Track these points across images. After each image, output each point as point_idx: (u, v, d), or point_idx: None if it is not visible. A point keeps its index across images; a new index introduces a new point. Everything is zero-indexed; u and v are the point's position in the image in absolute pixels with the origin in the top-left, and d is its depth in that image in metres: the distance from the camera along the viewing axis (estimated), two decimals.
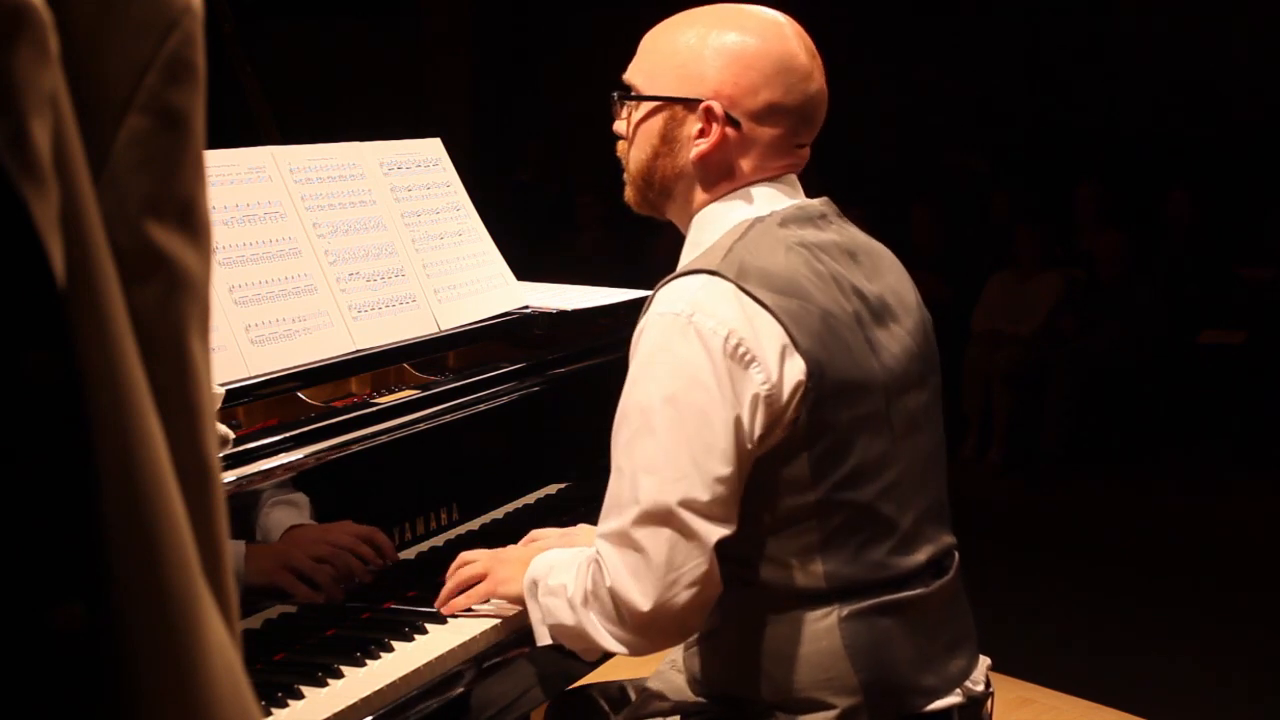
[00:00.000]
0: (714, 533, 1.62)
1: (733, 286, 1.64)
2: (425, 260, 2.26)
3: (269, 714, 1.62)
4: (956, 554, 1.84)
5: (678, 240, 1.83)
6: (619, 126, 1.84)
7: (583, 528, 2.03)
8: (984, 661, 1.84)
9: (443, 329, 2.23)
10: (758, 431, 1.62)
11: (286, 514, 1.79)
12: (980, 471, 6.02)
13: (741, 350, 1.61)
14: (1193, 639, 4.16)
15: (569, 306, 2.43)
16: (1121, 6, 7.09)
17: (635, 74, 1.80)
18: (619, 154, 1.86)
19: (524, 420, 2.24)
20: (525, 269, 2.50)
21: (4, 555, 0.53)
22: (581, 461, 2.37)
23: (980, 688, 1.81)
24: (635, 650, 1.70)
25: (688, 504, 1.61)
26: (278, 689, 1.66)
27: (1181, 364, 6.03)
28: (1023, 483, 5.91)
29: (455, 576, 1.91)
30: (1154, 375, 6.00)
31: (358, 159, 2.25)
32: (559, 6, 8.47)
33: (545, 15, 8.62)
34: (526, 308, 2.41)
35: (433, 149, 2.42)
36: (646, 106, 1.77)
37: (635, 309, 2.53)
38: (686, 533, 1.61)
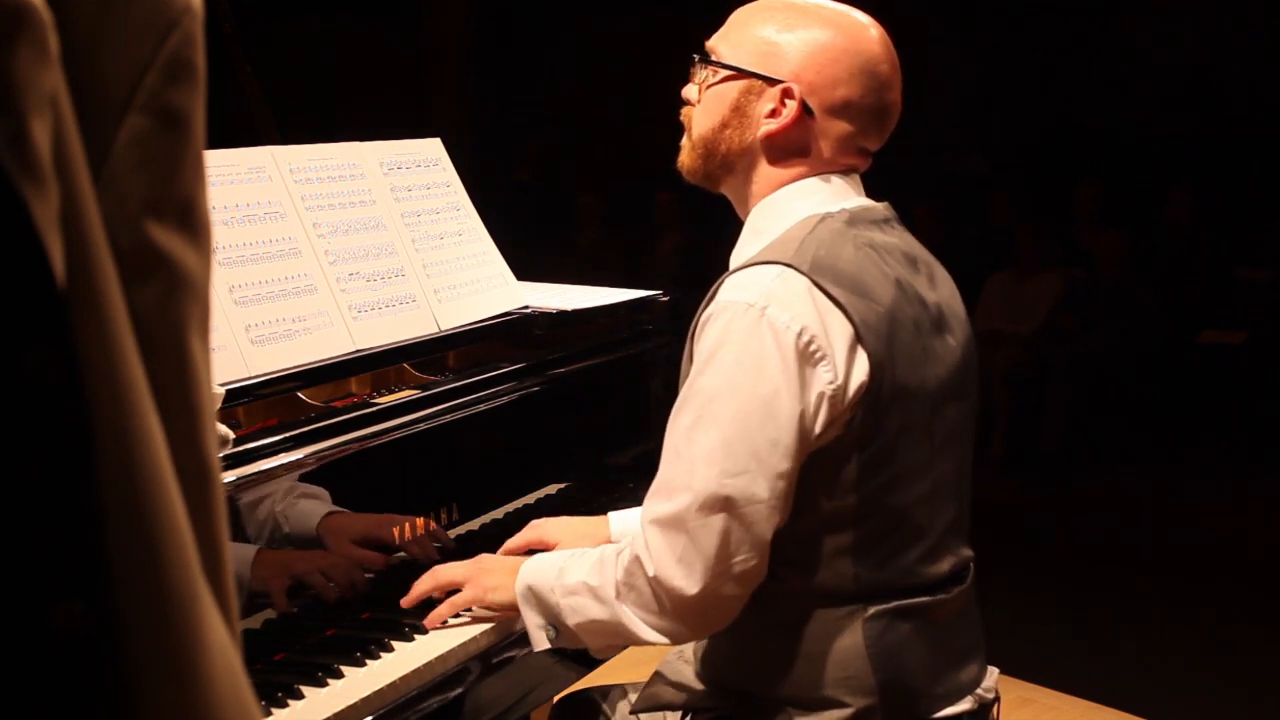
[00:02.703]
0: (769, 528, 1.62)
1: (807, 281, 1.63)
2: (425, 260, 2.26)
3: (269, 714, 1.62)
4: (973, 566, 1.84)
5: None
6: (690, 90, 1.83)
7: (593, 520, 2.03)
8: (993, 671, 1.84)
9: (443, 329, 2.23)
10: (817, 429, 1.62)
11: (313, 505, 1.79)
12: (980, 471, 6.00)
13: (813, 347, 1.60)
14: (1193, 639, 4.16)
15: (569, 306, 2.43)
16: (1122, 6, 7.09)
17: (719, 41, 1.80)
18: (683, 118, 1.84)
19: (524, 420, 2.24)
20: (525, 269, 2.50)
21: (4, 555, 0.53)
22: (581, 461, 2.37)
23: (991, 696, 1.81)
24: (675, 638, 1.70)
25: (746, 497, 1.60)
26: (278, 689, 1.66)
27: (1181, 364, 6.03)
28: (1023, 482, 5.91)
29: (433, 578, 1.87)
30: (1154, 375, 6.00)
31: (358, 159, 2.25)
32: (559, 7, 8.46)
33: (545, 16, 8.61)
34: (526, 308, 2.41)
35: (433, 149, 2.42)
36: (724, 74, 1.77)
37: (635, 309, 2.55)
38: (743, 525, 1.61)
